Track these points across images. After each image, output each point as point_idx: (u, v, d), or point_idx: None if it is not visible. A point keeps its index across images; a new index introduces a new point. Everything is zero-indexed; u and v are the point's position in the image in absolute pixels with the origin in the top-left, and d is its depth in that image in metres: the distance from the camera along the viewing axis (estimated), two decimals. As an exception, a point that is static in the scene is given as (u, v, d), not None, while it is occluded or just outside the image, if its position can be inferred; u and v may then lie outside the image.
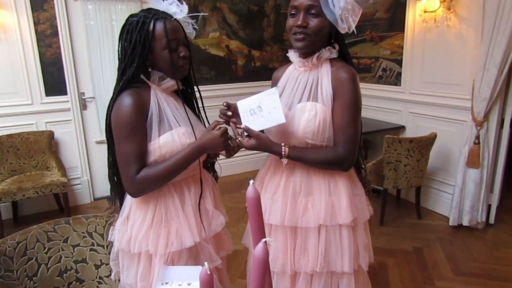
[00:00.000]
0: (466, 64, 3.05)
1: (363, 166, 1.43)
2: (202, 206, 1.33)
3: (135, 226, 1.28)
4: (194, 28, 1.36)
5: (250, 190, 0.53)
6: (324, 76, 1.28)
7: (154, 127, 1.23)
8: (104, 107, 3.68)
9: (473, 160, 2.96)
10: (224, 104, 1.33)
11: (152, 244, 1.24)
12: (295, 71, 1.37)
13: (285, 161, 1.27)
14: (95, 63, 3.59)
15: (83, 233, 1.49)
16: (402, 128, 3.66)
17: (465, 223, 3.06)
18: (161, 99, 1.28)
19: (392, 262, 2.67)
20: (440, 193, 3.42)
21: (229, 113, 1.32)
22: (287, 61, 1.44)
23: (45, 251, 1.42)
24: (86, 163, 3.73)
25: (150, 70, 1.30)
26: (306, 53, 1.31)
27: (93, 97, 3.65)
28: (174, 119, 1.27)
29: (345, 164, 1.28)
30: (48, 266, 1.42)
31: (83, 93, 3.61)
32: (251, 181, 0.56)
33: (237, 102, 1.30)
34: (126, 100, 1.22)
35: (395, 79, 3.73)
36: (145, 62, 1.27)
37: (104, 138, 3.69)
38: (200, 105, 1.46)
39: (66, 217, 3.20)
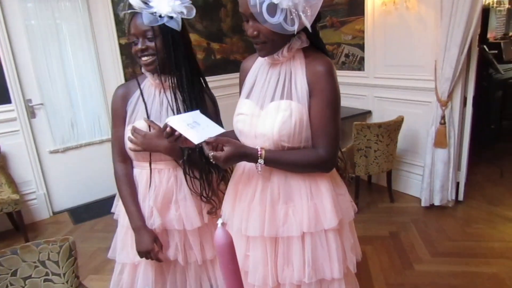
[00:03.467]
0: (427, 45, 3.05)
1: (340, 157, 1.31)
2: (146, 201, 1.39)
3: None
4: (153, 15, 1.25)
5: (219, 235, 0.40)
6: (298, 69, 1.15)
7: (127, 117, 1.38)
8: (55, 113, 3.41)
9: (440, 140, 2.98)
10: (168, 130, 1.13)
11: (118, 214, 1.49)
12: (266, 63, 1.23)
13: (260, 166, 1.14)
14: (41, 67, 3.29)
15: (35, 262, 1.31)
16: (368, 113, 3.65)
17: (437, 202, 3.10)
18: (145, 91, 1.38)
19: (370, 250, 2.64)
20: (410, 175, 3.45)
21: (177, 132, 1.12)
22: (250, 52, 1.31)
23: (-11, 288, 1.23)
24: (41, 176, 3.44)
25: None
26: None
27: (42, 104, 3.35)
28: (140, 112, 1.36)
29: (327, 165, 1.18)
30: (-5, 305, 1.24)
31: (29, 100, 3.30)
32: (219, 221, 0.43)
33: (167, 119, 1.12)
34: (115, 91, 1.42)
35: (359, 64, 3.69)
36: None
37: (57, 147, 3.47)
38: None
39: (23, 236, 2.96)
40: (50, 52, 3.31)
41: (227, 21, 4.34)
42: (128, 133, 1.35)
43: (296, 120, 1.12)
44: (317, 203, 1.20)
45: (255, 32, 1.09)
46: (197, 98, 1.36)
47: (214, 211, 1.43)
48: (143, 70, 1.36)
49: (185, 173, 1.35)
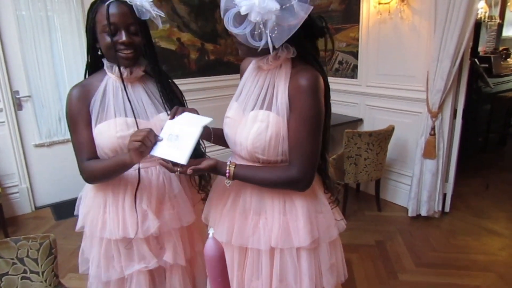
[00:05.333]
0: (420, 55, 3.08)
1: (327, 173, 1.25)
2: (138, 205, 1.29)
3: (83, 204, 1.42)
4: (154, 16, 1.23)
5: (209, 246, 0.38)
6: (282, 80, 1.11)
7: (93, 117, 1.26)
8: (43, 106, 3.34)
9: (429, 151, 3.00)
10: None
11: (90, 225, 1.35)
12: (255, 68, 1.20)
13: (228, 182, 1.12)
14: (30, 59, 3.22)
15: (12, 259, 1.26)
16: (359, 121, 3.66)
17: (423, 213, 3.11)
18: (110, 88, 1.28)
19: (356, 258, 2.64)
20: (398, 185, 3.46)
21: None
22: None
23: (-37, 285, 1.19)
24: (24, 169, 3.36)
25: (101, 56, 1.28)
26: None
27: (29, 96, 3.28)
28: (113, 109, 1.26)
29: (299, 185, 1.13)
30: (-32, 302, 1.19)
31: (17, 92, 3.23)
32: (211, 231, 0.41)
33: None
34: (70, 92, 1.27)
35: (352, 72, 3.71)
36: (95, 47, 1.26)
37: (43, 141, 3.40)
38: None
39: (2, 230, 2.88)
40: (40, 44, 3.24)
41: (222, 22, 4.29)
42: (111, 130, 1.24)
43: (272, 133, 1.09)
44: (290, 220, 1.16)
45: (232, 32, 1.05)
46: (169, 86, 1.37)
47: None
48: (107, 64, 1.27)
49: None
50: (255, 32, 0.98)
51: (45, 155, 3.47)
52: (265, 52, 1.05)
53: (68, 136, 3.45)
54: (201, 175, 1.38)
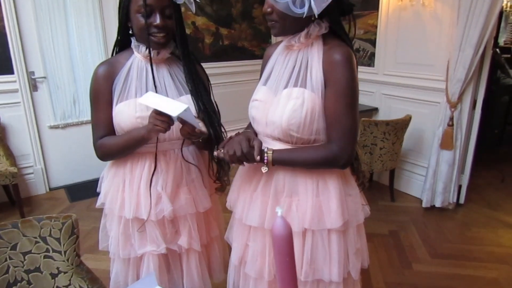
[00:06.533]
0: (441, 44, 3.00)
1: (356, 156, 1.25)
2: (153, 187, 1.28)
3: (104, 182, 1.39)
4: (190, 0, 1.22)
5: (278, 225, 0.36)
6: (315, 57, 1.09)
7: (115, 95, 1.26)
8: (58, 87, 3.34)
9: (447, 142, 2.95)
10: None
11: (110, 203, 1.35)
12: (285, 49, 1.18)
13: (266, 169, 1.10)
14: (46, 39, 3.21)
15: (35, 238, 1.27)
16: (375, 110, 3.61)
17: (438, 204, 3.08)
18: (134, 67, 1.27)
19: (369, 247, 2.58)
20: (412, 175, 3.42)
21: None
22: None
23: (-12, 261, 1.20)
24: (39, 150, 3.39)
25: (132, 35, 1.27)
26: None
27: (45, 77, 3.28)
28: (134, 89, 1.26)
29: (341, 161, 1.11)
30: (-7, 278, 1.20)
31: (32, 72, 3.23)
32: (279, 210, 0.39)
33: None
34: (96, 70, 1.28)
35: (369, 60, 3.64)
36: (126, 26, 1.25)
37: (57, 123, 3.40)
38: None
39: (18, 210, 2.92)
40: (56, 25, 3.23)
41: (237, 6, 4.26)
42: (131, 110, 1.24)
43: (307, 109, 1.07)
44: (323, 201, 1.15)
45: (268, 9, 1.08)
46: (196, 71, 1.35)
47: (223, 189, 1.41)
48: (135, 43, 1.26)
49: (212, 157, 1.35)
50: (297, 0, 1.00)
51: (60, 136, 3.49)
52: (297, 30, 1.08)
53: (82, 118, 3.51)
54: (221, 165, 1.37)
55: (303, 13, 1.00)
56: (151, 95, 1.13)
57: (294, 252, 0.38)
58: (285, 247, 0.36)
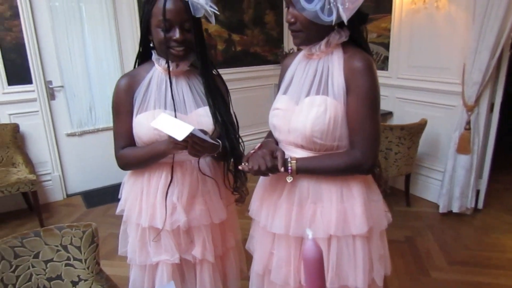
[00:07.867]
0: (456, 47, 2.97)
1: (377, 163, 1.25)
2: (169, 197, 1.30)
3: (125, 189, 1.43)
4: (209, 13, 1.22)
5: (309, 247, 0.36)
6: (335, 65, 1.11)
7: (135, 107, 1.29)
8: (74, 96, 3.41)
9: (463, 146, 2.90)
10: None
11: (128, 211, 1.38)
12: (304, 59, 1.20)
13: (290, 179, 1.12)
14: (63, 49, 3.29)
15: (57, 246, 1.30)
16: (389, 114, 3.58)
17: (455, 209, 3.03)
18: (155, 79, 1.30)
19: (385, 253, 2.59)
20: (428, 180, 3.38)
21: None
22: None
23: (12, 269, 1.22)
24: (57, 158, 3.45)
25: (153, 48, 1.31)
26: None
27: (62, 86, 3.35)
28: (153, 101, 1.28)
29: (365, 167, 1.12)
30: (17, 286, 1.23)
31: (50, 82, 3.31)
32: (309, 233, 0.39)
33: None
34: (118, 82, 1.31)
35: (382, 64, 3.61)
36: (147, 39, 1.29)
37: (74, 130, 3.47)
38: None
39: (37, 217, 2.97)
40: (73, 35, 3.30)
41: (249, 13, 4.28)
42: (143, 124, 1.25)
43: (330, 116, 1.08)
44: (347, 207, 1.15)
45: (292, 19, 1.09)
46: (213, 80, 1.36)
47: (242, 200, 1.41)
48: (156, 56, 1.28)
49: (227, 169, 1.35)
50: (326, 7, 1.01)
51: (76, 144, 3.55)
52: (319, 38, 1.10)
53: (97, 126, 3.57)
54: (238, 176, 1.38)
55: (332, 20, 1.02)
56: (163, 117, 1.14)
57: (324, 274, 0.38)
58: (316, 270, 0.36)
